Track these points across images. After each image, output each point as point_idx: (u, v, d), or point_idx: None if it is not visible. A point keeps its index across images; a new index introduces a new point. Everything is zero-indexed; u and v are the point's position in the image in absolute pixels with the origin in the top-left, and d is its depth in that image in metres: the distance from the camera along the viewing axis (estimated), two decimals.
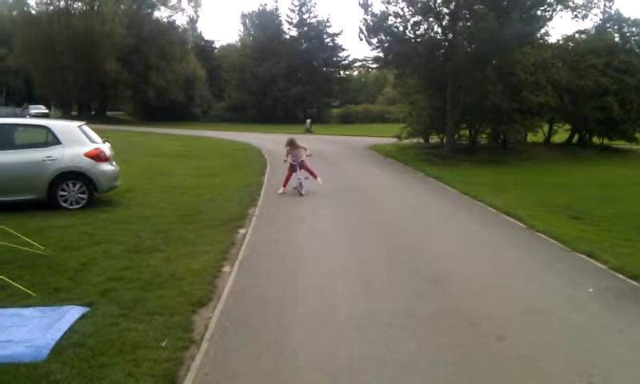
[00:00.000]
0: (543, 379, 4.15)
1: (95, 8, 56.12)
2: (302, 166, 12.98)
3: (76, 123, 11.47)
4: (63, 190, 10.42)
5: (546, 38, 25.81)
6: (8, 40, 57.68)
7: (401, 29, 23.36)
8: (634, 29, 27.89)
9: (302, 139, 14.76)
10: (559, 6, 23.75)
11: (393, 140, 28.70)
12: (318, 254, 7.91)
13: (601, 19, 29.28)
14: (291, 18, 64.94)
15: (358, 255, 7.85)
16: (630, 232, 9.32)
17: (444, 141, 26.23)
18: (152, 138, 34.62)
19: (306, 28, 64.43)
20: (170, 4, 62.36)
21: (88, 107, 63.37)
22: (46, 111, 53.11)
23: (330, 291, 6.15)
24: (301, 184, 12.73)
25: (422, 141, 28.92)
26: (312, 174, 13.21)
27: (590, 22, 38.53)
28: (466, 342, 4.80)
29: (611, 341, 4.90)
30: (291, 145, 13.23)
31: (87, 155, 10.56)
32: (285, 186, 13.01)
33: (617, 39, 27.98)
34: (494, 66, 22.62)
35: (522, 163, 22.01)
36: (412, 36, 23.48)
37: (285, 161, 13.42)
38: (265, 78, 58.97)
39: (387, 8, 23.08)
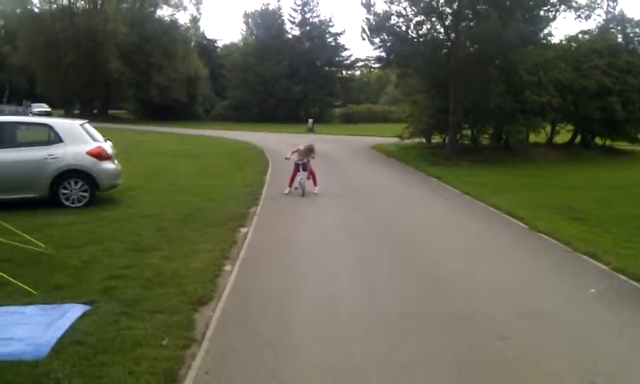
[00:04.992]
0: (545, 379, 4.15)
1: (98, 6, 56.19)
2: (306, 168, 12.90)
3: (78, 122, 11.47)
4: (65, 189, 10.42)
5: (549, 38, 25.77)
6: (12, 38, 57.77)
7: (403, 28, 23.33)
8: (637, 29, 27.77)
9: (302, 138, 14.66)
10: (562, 7, 23.68)
11: (395, 140, 28.70)
12: (319, 253, 7.90)
13: (604, 20, 29.20)
14: (294, 18, 65.01)
15: (360, 255, 7.84)
16: (632, 233, 9.29)
17: (446, 141, 26.21)
18: (154, 136, 34.62)
19: (308, 27, 64.44)
20: (173, 2, 62.42)
21: (90, 106, 63.42)
22: (49, 109, 53.17)
23: (332, 291, 6.14)
24: (302, 184, 12.69)
25: (423, 141, 28.88)
26: (313, 178, 13.10)
27: (593, 23, 38.35)
28: (468, 342, 4.79)
29: (613, 341, 4.89)
30: (309, 151, 13.06)
31: (89, 154, 10.57)
32: (290, 185, 12.97)
33: (620, 40, 27.88)
34: (496, 66, 22.58)
35: (524, 164, 21.98)
36: (414, 36, 23.45)
37: (287, 158, 13.38)
38: (267, 77, 59.00)
39: (390, 7, 23.05)
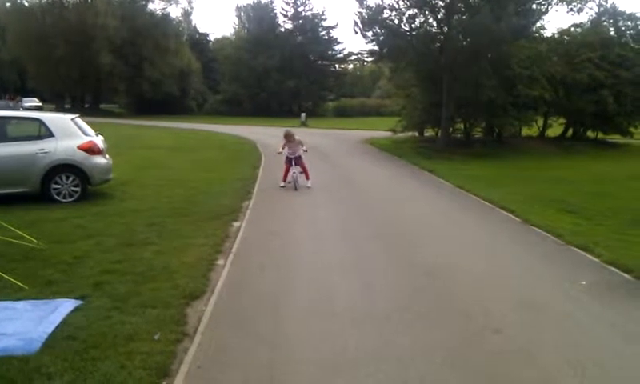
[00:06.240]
0: (538, 371, 4.16)
1: (88, 0, 55.72)
2: (298, 162, 12.92)
3: (69, 116, 11.39)
4: (56, 183, 10.36)
5: (542, 31, 25.82)
6: (1, 32, 57.34)
7: (396, 22, 23.29)
8: (629, 22, 27.83)
9: (297, 133, 14.63)
10: (555, 0, 23.75)
11: (388, 133, 28.70)
12: (313, 247, 7.90)
13: (596, 13, 29.23)
14: (286, 11, 64.84)
15: (354, 249, 7.83)
16: (624, 226, 9.35)
17: (439, 134, 26.25)
18: (146, 131, 34.45)
19: (301, 21, 64.26)
20: None
21: (82, 100, 63.06)
22: (40, 104, 52.83)
23: (326, 284, 6.14)
24: (295, 179, 12.70)
25: (416, 134, 28.92)
26: (305, 172, 13.11)
27: (585, 16, 38.46)
28: (462, 335, 4.80)
29: (604, 333, 4.92)
30: (287, 137, 13.10)
31: (80, 148, 10.50)
32: (284, 179, 12.96)
33: (612, 33, 27.91)
34: (489, 60, 22.56)
35: (516, 157, 22.02)
36: (407, 29, 23.41)
37: (279, 152, 13.37)
38: (260, 71, 58.84)
39: (382, 1, 23.01)
